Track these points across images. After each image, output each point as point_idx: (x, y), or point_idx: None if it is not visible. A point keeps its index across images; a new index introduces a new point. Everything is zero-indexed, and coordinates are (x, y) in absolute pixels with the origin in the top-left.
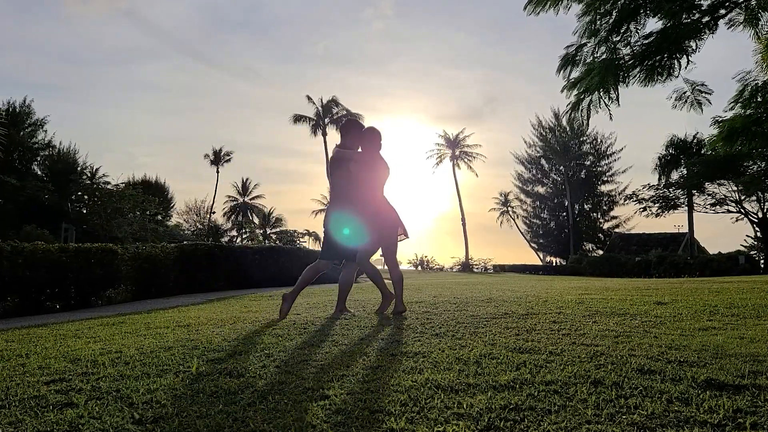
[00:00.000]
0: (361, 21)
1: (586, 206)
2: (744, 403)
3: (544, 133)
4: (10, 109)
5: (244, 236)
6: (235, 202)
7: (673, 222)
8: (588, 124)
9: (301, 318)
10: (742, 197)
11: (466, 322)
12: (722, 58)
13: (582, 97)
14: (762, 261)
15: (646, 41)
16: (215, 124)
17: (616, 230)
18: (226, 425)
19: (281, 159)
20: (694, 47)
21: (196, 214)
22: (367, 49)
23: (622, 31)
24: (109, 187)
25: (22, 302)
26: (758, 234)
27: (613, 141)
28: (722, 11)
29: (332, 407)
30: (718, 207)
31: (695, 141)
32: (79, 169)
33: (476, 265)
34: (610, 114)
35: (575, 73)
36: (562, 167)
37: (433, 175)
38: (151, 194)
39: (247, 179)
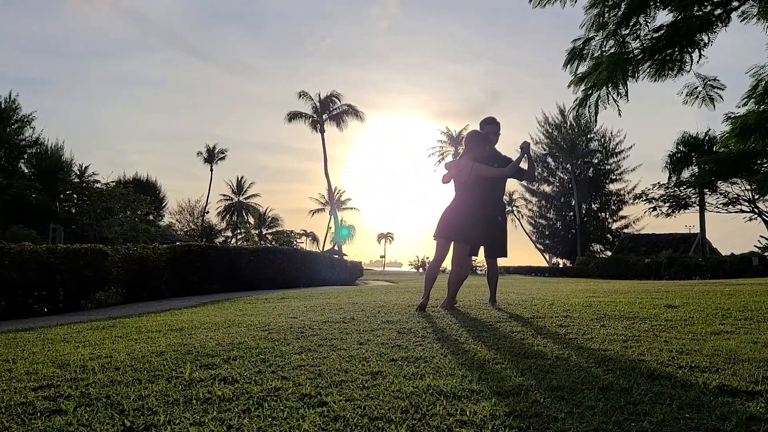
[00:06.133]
0: (364, 16)
1: (593, 206)
2: (758, 410)
3: (550, 130)
4: None
5: (239, 237)
6: (229, 202)
7: (684, 222)
8: (596, 121)
9: (298, 322)
10: (756, 196)
11: (469, 326)
12: (735, 52)
13: (589, 92)
14: None
15: (656, 34)
16: (209, 121)
17: (625, 231)
18: None
19: (278, 157)
20: (706, 41)
21: (190, 214)
22: (368, 43)
23: (631, 24)
24: (98, 185)
25: (8, 305)
26: None
27: (621, 138)
28: (735, 3)
29: (330, 414)
30: (730, 206)
31: (707, 138)
32: (67, 167)
33: (480, 266)
34: (619, 110)
35: (582, 68)
36: (568, 165)
37: (434, 173)
38: (143, 193)
39: (242, 178)
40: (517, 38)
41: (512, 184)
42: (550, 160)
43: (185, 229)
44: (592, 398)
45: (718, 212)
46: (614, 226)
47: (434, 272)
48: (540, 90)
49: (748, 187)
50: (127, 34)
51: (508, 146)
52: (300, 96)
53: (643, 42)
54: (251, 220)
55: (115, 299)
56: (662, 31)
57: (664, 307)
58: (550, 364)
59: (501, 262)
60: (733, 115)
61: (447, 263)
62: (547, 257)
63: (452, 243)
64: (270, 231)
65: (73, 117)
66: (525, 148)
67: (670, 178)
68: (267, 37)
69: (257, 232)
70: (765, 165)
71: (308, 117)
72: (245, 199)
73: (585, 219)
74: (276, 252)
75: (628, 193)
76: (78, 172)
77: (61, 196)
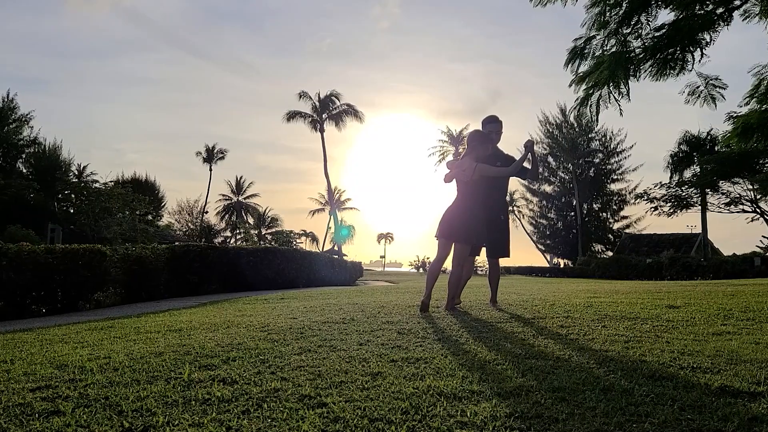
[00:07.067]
0: (365, 15)
1: (594, 206)
2: (760, 411)
3: (551, 130)
4: None
5: (238, 237)
6: (228, 202)
7: (686, 222)
8: (597, 120)
9: (297, 322)
10: (758, 196)
11: (469, 327)
12: (737, 51)
13: (591, 91)
14: None
15: (658, 33)
16: (208, 120)
17: (627, 231)
18: None
19: (277, 156)
20: (707, 40)
21: (189, 214)
22: (368, 43)
23: (632, 23)
24: (97, 185)
25: (6, 306)
26: None
27: (623, 138)
28: (737, 2)
29: (330, 415)
30: (732, 206)
31: (709, 137)
32: (65, 166)
33: (480, 267)
34: (620, 109)
35: (584, 67)
36: (569, 165)
37: (435, 173)
38: (141, 193)
39: (241, 177)
40: (518, 37)
41: (513, 184)
42: (550, 159)
43: (184, 229)
44: (593, 399)
45: (720, 212)
46: (615, 226)
47: (436, 272)
48: (541, 89)
49: (750, 187)
50: (127, 34)
51: (509, 146)
52: (300, 97)
53: (645, 41)
54: (250, 220)
55: (114, 300)
56: (664, 30)
57: (665, 307)
58: (551, 364)
59: (502, 262)
60: (735, 115)
61: (448, 263)
62: (548, 257)
63: (453, 243)
64: (269, 231)
65: (72, 116)
66: (529, 146)
67: (671, 177)
68: (267, 37)
69: (257, 232)
70: (767, 165)
71: (308, 116)
72: (244, 198)
73: (586, 219)
74: (275, 252)
75: (630, 193)
76: (76, 172)
77: (59, 195)
